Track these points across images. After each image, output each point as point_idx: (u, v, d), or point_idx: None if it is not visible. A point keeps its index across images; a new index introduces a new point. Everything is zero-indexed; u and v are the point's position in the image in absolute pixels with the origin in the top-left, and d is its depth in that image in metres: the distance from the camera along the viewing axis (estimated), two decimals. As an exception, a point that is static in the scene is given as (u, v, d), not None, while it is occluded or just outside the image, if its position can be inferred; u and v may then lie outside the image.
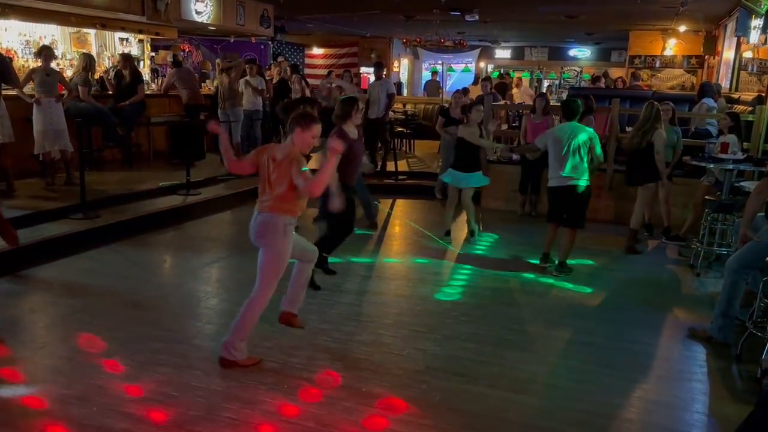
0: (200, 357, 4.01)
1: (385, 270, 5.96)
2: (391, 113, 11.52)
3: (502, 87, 12.39)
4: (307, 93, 11.62)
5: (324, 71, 19.60)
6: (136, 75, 9.63)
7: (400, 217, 8.57)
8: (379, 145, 10.58)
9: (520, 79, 14.68)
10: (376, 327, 4.62)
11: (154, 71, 12.65)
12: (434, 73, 20.15)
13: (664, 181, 6.73)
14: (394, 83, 14.39)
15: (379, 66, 11.02)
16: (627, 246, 6.82)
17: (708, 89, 8.88)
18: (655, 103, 6.71)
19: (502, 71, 20.39)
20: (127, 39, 11.89)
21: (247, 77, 10.52)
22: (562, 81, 23.53)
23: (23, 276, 5.46)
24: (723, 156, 6.43)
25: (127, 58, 9.59)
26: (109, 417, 3.27)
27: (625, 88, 13.06)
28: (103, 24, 10.41)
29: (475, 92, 14.76)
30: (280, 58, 15.53)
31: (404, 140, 13.21)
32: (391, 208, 8.90)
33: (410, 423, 3.33)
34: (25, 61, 9.43)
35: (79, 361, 3.90)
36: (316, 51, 21.83)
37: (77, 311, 4.73)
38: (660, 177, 6.64)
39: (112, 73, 9.74)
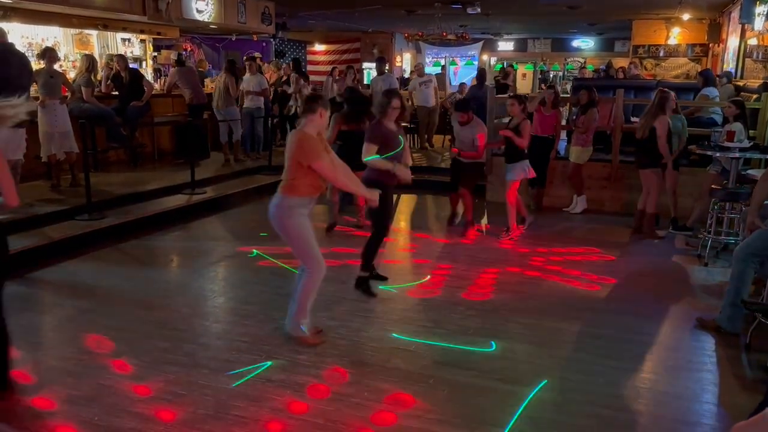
0: (208, 356, 4.02)
1: (391, 266, 5.95)
2: None
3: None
4: (305, 92, 11.57)
5: (326, 68, 19.59)
6: (135, 73, 9.62)
7: (405, 213, 8.56)
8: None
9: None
10: (383, 323, 4.62)
11: (157, 71, 12.66)
12: (443, 67, 20.24)
13: (669, 168, 6.71)
14: (398, 78, 14.37)
15: (381, 61, 11.00)
16: (646, 231, 6.96)
17: (710, 78, 8.82)
18: (664, 89, 6.74)
19: (505, 64, 20.32)
20: (129, 39, 11.91)
21: (247, 75, 10.50)
22: (565, 72, 23.44)
23: (30, 278, 5.48)
24: (729, 144, 6.39)
25: (122, 58, 9.59)
26: (117, 417, 3.28)
27: (625, 78, 12.98)
28: (105, 25, 10.43)
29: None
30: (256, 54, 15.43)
31: (408, 135, 13.18)
32: (396, 203, 8.89)
33: (419, 418, 3.33)
34: (28, 64, 9.44)
35: (88, 362, 3.91)
36: (318, 47, 21.81)
37: (84, 312, 4.74)
38: (658, 164, 6.67)
39: (109, 79, 9.72)
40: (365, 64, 20.75)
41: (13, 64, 6.52)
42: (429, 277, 5.66)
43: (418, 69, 12.98)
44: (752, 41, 10.70)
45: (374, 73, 12.00)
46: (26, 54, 9.55)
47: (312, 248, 4.03)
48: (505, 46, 25.40)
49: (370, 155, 4.91)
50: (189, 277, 5.75)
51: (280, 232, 4.02)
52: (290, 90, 11.64)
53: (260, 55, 15.43)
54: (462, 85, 14.07)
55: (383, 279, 5.43)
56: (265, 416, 3.32)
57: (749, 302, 4.36)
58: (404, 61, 24.01)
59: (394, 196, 8.48)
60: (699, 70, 15.50)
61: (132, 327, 4.43)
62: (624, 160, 8.07)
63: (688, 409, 3.55)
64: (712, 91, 8.47)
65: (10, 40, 8.01)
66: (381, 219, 5.12)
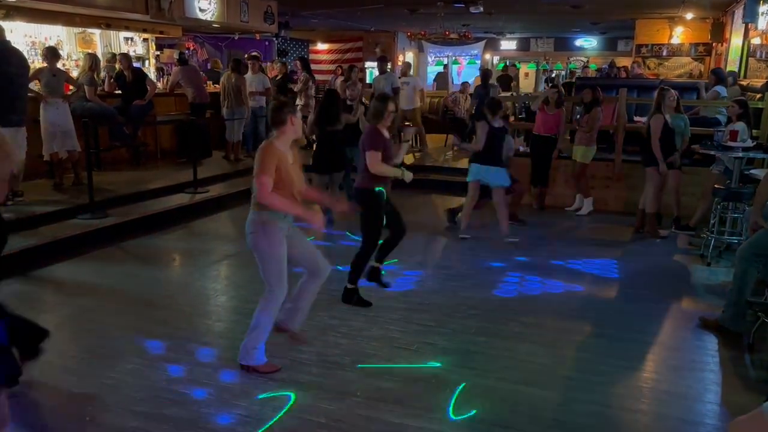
0: (210, 354, 4.02)
1: (391, 265, 5.94)
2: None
3: (506, 79, 12.33)
4: (311, 92, 11.54)
5: (329, 66, 19.58)
6: (138, 72, 9.64)
7: (406, 212, 8.54)
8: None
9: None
10: (384, 322, 4.62)
11: (160, 70, 12.66)
12: (445, 66, 20.27)
13: (662, 168, 6.67)
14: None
15: (382, 60, 10.96)
16: (649, 230, 6.96)
17: (722, 77, 8.81)
18: (663, 87, 6.76)
19: (507, 63, 20.30)
20: (131, 38, 11.91)
21: (249, 74, 10.51)
22: (568, 71, 23.38)
23: (33, 276, 5.49)
24: (732, 144, 6.37)
25: (125, 57, 9.61)
26: (120, 416, 3.29)
27: (627, 77, 12.96)
28: (108, 24, 10.44)
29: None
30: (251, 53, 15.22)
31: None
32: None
33: (420, 417, 3.32)
34: (31, 63, 9.44)
35: (90, 361, 3.92)
36: (321, 46, 21.80)
37: (87, 311, 4.75)
38: (657, 163, 6.67)
39: (111, 77, 9.74)
40: (368, 63, 20.74)
41: (13, 63, 6.53)
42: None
43: (402, 68, 12.75)
44: (756, 40, 10.68)
45: (376, 72, 11.97)
46: (30, 52, 9.64)
47: (280, 271, 3.65)
48: (508, 45, 25.36)
49: (376, 162, 4.67)
50: (191, 276, 5.76)
51: (252, 249, 3.66)
52: (296, 88, 11.63)
53: (258, 54, 15.43)
54: (465, 84, 14.04)
55: (385, 285, 5.23)
56: (268, 415, 3.32)
57: (753, 302, 4.35)
58: (406, 60, 24.00)
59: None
60: (702, 69, 15.52)
61: (134, 326, 4.44)
62: (627, 159, 8.06)
63: (690, 408, 3.54)
64: (723, 90, 8.47)
65: (13, 39, 8.04)
66: (371, 231, 4.88)
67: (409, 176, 4.87)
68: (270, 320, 3.76)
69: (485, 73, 11.57)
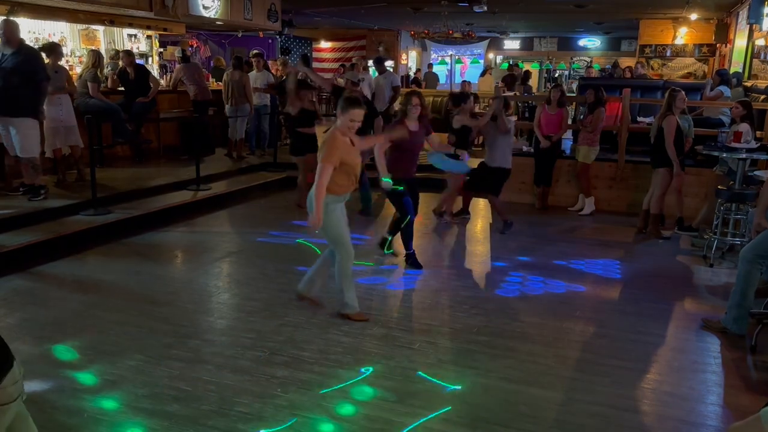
0: (212, 352, 4.02)
1: (394, 264, 5.94)
2: (397, 105, 11.36)
3: (511, 78, 12.32)
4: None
5: (332, 65, 19.59)
6: (141, 69, 9.65)
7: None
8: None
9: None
10: (386, 321, 4.61)
11: (163, 67, 12.67)
12: (430, 65, 20.38)
13: (676, 169, 6.68)
14: (402, 76, 14.29)
15: (380, 61, 10.95)
16: (651, 231, 6.96)
17: (726, 78, 8.80)
18: (674, 88, 6.76)
19: (511, 62, 20.28)
20: (135, 35, 11.92)
21: (254, 72, 10.52)
22: (571, 71, 23.36)
23: (35, 273, 5.50)
24: (736, 145, 6.36)
25: (129, 54, 9.61)
26: (121, 412, 3.29)
27: (631, 77, 12.96)
28: (112, 20, 10.44)
29: (484, 84, 14.68)
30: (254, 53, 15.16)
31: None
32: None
33: (421, 416, 3.31)
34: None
35: (92, 357, 3.91)
36: (324, 45, 21.81)
37: (89, 307, 4.75)
38: (671, 164, 6.65)
39: (113, 73, 9.74)
40: (370, 62, 20.74)
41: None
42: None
43: (360, 65, 12.33)
44: (760, 42, 10.66)
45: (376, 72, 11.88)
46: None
47: (340, 237, 4.40)
48: (511, 44, 25.35)
49: (379, 150, 5.36)
50: (193, 273, 5.76)
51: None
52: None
53: (261, 52, 15.40)
54: (465, 83, 13.93)
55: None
56: (268, 412, 3.32)
57: (758, 312, 4.35)
58: (410, 59, 23.99)
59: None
60: (705, 70, 15.50)
61: (136, 322, 4.44)
62: (630, 159, 8.05)
63: (692, 410, 3.53)
64: (726, 90, 8.46)
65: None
66: (400, 207, 5.71)
67: (384, 184, 5.31)
68: (344, 275, 4.46)
69: (526, 75, 11.55)
